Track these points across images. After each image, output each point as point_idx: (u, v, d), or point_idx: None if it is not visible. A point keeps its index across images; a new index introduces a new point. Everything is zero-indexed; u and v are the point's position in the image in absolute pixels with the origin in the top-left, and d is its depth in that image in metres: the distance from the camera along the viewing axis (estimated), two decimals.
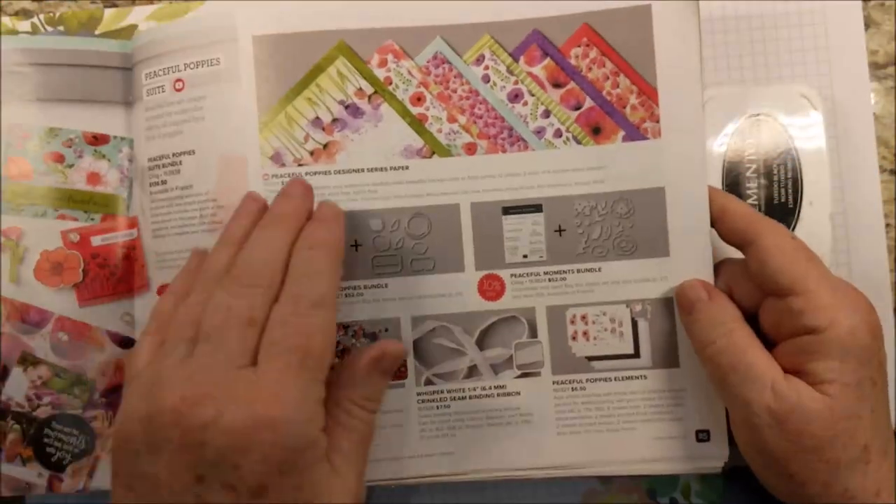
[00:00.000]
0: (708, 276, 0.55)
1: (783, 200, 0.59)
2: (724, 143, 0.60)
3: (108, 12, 0.62)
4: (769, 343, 0.51)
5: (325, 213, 0.51)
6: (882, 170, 0.62)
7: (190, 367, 0.44)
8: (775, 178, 0.59)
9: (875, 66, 0.63)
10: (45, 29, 0.62)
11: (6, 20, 0.63)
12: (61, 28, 0.62)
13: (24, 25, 0.62)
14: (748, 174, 0.59)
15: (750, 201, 0.59)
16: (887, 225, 0.62)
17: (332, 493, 0.45)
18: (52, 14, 0.63)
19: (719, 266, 0.55)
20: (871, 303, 0.50)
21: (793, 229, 0.59)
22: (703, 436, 0.56)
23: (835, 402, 0.47)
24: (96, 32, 0.62)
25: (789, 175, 0.59)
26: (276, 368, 0.43)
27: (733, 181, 0.59)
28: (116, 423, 0.45)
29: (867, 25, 0.63)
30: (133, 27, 0.62)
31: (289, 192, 0.52)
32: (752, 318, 0.52)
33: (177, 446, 0.41)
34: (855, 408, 0.47)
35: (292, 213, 0.50)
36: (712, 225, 0.55)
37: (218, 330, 0.44)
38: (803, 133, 0.59)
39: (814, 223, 0.59)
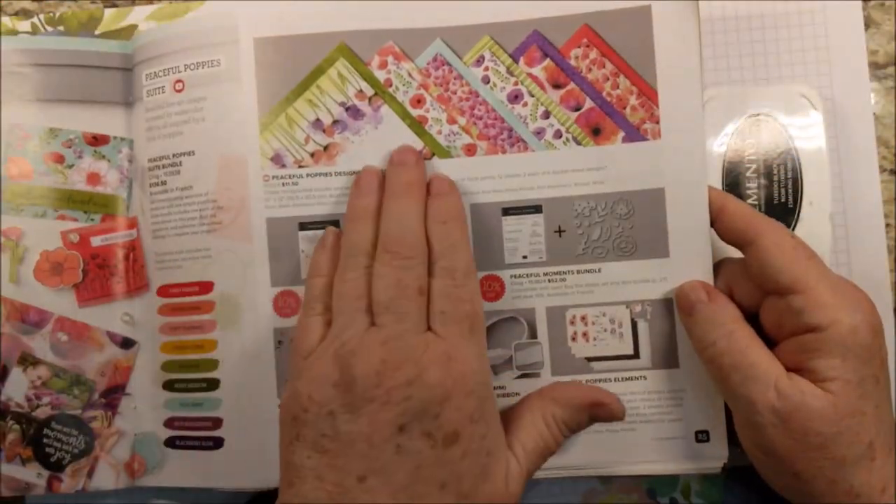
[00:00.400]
0: (708, 276, 0.55)
1: (783, 200, 0.59)
2: (724, 143, 0.60)
3: (108, 12, 0.62)
4: (770, 342, 0.51)
5: (444, 186, 0.55)
6: (882, 170, 0.62)
7: (380, 336, 0.48)
8: (775, 178, 0.59)
9: (875, 66, 0.63)
10: (45, 29, 0.63)
11: (6, 20, 0.63)
12: (61, 28, 0.62)
13: (24, 25, 0.63)
14: (748, 174, 0.59)
15: (750, 201, 0.59)
16: (887, 225, 0.62)
17: (508, 462, 0.50)
18: (52, 14, 0.63)
19: (719, 266, 0.56)
20: (872, 301, 0.50)
21: (793, 229, 0.59)
22: (702, 436, 0.56)
23: (838, 399, 0.47)
24: (96, 32, 0.62)
25: (789, 175, 0.59)
26: (455, 334, 0.49)
27: (733, 181, 0.60)
28: (297, 394, 0.48)
29: (867, 25, 0.63)
30: (133, 27, 0.62)
31: (403, 160, 0.55)
32: (752, 318, 0.53)
33: (380, 404, 0.46)
34: (858, 405, 0.48)
35: (416, 182, 0.54)
36: (711, 224, 0.55)
37: (396, 301, 0.49)
38: (803, 133, 0.59)
39: (814, 223, 0.59)
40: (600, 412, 0.53)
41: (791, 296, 0.49)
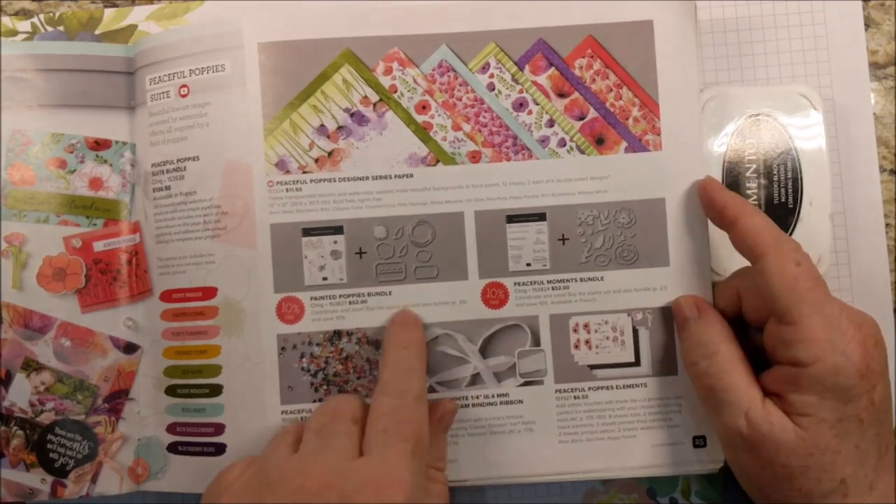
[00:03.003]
0: (706, 285, 0.58)
1: (783, 200, 0.61)
2: (724, 143, 0.62)
3: (108, 12, 0.64)
4: (769, 360, 0.53)
5: (409, 318, 0.59)
6: (882, 170, 0.65)
7: (303, 460, 0.49)
8: (775, 178, 0.61)
9: (875, 66, 0.66)
10: (44, 29, 0.64)
11: (6, 20, 0.64)
12: (61, 28, 0.64)
13: (25, 25, 0.64)
14: (748, 174, 0.62)
15: (750, 201, 0.60)
16: (887, 225, 0.64)
17: None
18: (51, 14, 0.65)
19: (737, 272, 0.57)
20: (879, 334, 0.51)
21: (793, 229, 0.61)
22: (699, 441, 0.60)
23: (808, 434, 0.49)
24: (96, 32, 0.64)
25: (789, 175, 0.61)
26: (392, 455, 0.48)
27: (733, 181, 0.62)
28: None
29: (867, 25, 0.65)
30: (133, 27, 0.64)
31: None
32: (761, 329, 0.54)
33: None
34: (832, 443, 0.49)
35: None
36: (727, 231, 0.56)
37: (327, 426, 0.51)
38: (803, 133, 0.61)
39: (814, 223, 0.61)
40: (446, 422, 0.58)
41: (783, 325, 0.51)
